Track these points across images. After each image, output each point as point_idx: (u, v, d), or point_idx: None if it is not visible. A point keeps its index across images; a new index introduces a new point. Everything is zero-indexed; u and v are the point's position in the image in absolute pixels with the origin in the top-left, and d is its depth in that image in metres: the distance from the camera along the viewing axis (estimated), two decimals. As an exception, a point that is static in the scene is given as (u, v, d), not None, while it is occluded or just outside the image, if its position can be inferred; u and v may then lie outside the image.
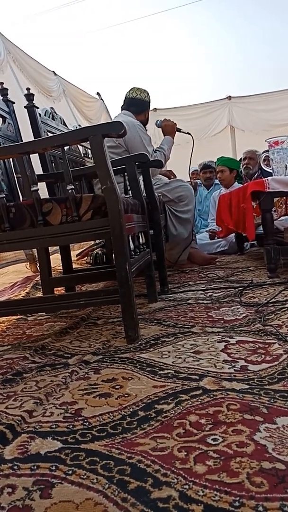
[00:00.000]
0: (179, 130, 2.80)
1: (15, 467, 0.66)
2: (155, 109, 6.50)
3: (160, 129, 2.88)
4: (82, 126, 1.45)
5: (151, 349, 1.19)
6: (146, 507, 0.54)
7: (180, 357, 1.09)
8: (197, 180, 4.88)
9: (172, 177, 3.29)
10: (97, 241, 3.80)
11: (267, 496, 0.53)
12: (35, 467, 0.65)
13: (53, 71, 5.53)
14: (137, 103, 2.72)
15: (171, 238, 2.79)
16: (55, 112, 2.21)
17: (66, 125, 2.33)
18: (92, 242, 4.07)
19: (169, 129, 2.75)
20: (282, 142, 2.31)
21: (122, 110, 2.77)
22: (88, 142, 1.26)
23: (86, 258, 3.66)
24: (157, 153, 2.63)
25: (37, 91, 4.96)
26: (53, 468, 0.65)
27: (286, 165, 2.32)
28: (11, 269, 3.48)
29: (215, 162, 4.31)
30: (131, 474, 0.61)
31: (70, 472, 0.63)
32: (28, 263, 3.26)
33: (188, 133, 2.86)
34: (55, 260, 2.80)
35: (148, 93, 2.75)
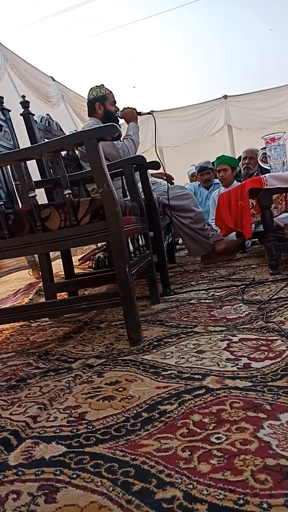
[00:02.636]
0: (139, 113, 2.77)
1: (20, 473, 0.66)
2: (151, 111, 6.51)
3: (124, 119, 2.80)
4: (78, 130, 1.46)
5: (154, 350, 1.19)
6: (151, 508, 0.54)
7: (183, 357, 1.08)
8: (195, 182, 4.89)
9: (172, 180, 3.26)
10: (99, 245, 3.81)
11: (272, 492, 0.53)
12: (40, 472, 0.65)
13: (51, 77, 5.56)
14: (91, 105, 2.71)
15: (186, 238, 2.77)
16: (51, 119, 2.22)
17: (62, 131, 2.34)
18: (94, 246, 4.08)
19: (129, 115, 2.73)
20: (279, 138, 2.31)
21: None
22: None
23: (88, 262, 3.66)
24: (124, 141, 2.61)
25: (36, 97, 4.98)
26: (58, 472, 0.65)
27: (283, 161, 2.31)
28: (13, 276, 3.49)
29: (213, 162, 4.30)
30: (135, 476, 0.61)
31: (75, 476, 0.63)
32: (31, 269, 3.27)
33: (149, 113, 2.85)
34: (57, 266, 2.80)
35: (99, 87, 2.68)
